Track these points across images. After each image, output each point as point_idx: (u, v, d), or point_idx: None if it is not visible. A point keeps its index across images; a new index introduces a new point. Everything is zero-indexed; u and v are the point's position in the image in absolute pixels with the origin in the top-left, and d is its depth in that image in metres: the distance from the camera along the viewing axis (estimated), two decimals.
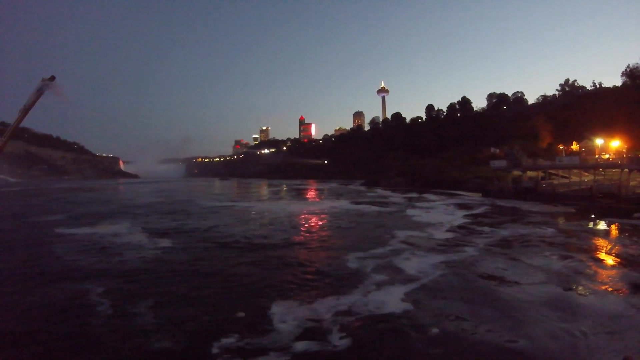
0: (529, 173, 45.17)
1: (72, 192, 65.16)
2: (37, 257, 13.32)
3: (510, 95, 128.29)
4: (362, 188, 69.49)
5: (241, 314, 7.54)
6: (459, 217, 24.01)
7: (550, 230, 18.69)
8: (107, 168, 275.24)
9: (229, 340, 6.25)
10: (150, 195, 55.40)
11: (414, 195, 45.85)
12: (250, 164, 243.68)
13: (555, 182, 42.71)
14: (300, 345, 6.15)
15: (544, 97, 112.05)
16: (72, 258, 13.15)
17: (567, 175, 44.70)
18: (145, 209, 30.80)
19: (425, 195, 45.52)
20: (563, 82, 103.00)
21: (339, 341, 6.33)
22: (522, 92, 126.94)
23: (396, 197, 42.36)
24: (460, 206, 31.69)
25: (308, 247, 14.51)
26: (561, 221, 22.26)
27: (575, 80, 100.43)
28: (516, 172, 46.43)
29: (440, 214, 26.05)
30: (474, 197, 42.99)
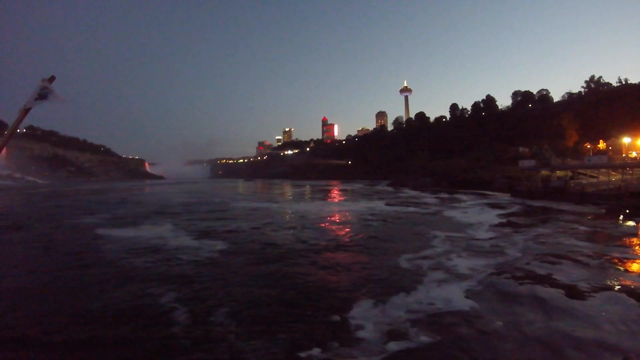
0: (558, 173, 45.01)
1: (102, 194, 66.01)
2: (89, 260, 13.21)
3: (535, 93, 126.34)
4: (390, 189, 69.15)
5: (336, 318, 7.56)
6: (494, 217, 24.20)
7: (583, 229, 18.93)
8: (133, 170, 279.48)
9: (318, 348, 6.23)
10: (181, 196, 55.95)
11: (445, 195, 45.82)
12: (273, 165, 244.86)
13: (584, 181, 42.35)
14: (392, 346, 6.29)
15: (570, 94, 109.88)
16: (127, 261, 12.97)
17: (595, 175, 44.54)
18: (181, 210, 31.13)
19: (456, 195, 45.44)
20: (588, 79, 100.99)
21: (423, 339, 6.52)
22: (547, 90, 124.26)
23: (428, 198, 42.45)
24: (493, 206, 31.76)
25: (358, 249, 14.62)
26: (593, 221, 22.23)
27: (601, 77, 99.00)
28: (545, 172, 46.09)
29: (476, 214, 26.22)
30: (503, 197, 42.74)
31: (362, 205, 33.32)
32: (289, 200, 44.35)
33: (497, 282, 9.99)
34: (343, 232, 18.79)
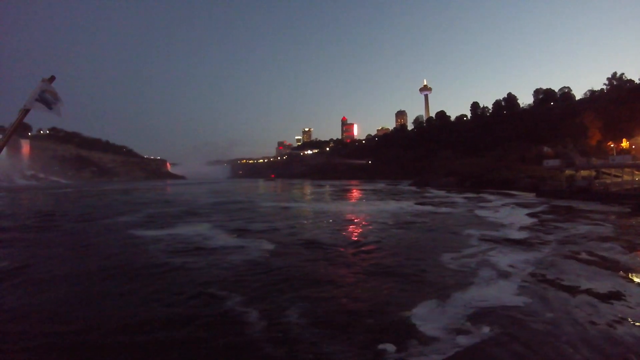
0: (582, 172, 44.97)
1: (128, 193, 66.87)
2: (137, 262, 12.83)
3: (557, 90, 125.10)
4: (413, 188, 69.23)
5: (403, 315, 7.75)
6: (523, 216, 24.58)
7: (610, 227, 19.45)
8: (155, 170, 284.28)
9: (393, 345, 6.38)
10: (207, 196, 56.40)
11: (471, 195, 46.00)
12: (293, 165, 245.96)
13: (608, 181, 42.42)
14: (462, 340, 6.61)
15: (592, 92, 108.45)
16: (177, 262, 12.87)
17: (619, 174, 44.51)
18: (211, 210, 31.31)
19: (482, 195, 45.65)
20: (610, 76, 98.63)
21: (487, 333, 6.85)
22: (569, 88, 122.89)
23: (455, 198, 42.68)
24: (520, 205, 32.04)
25: (403, 248, 14.85)
26: (619, 220, 22.57)
27: (623, 74, 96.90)
28: (569, 171, 46.19)
29: (506, 213, 26.61)
30: (528, 196, 42.89)
31: (393, 205, 33.61)
32: (315, 200, 44.83)
33: (540, 278, 10.41)
34: (383, 232, 18.82)
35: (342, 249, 14.85)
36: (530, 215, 25.30)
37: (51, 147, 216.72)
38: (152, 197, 56.88)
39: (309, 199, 46.76)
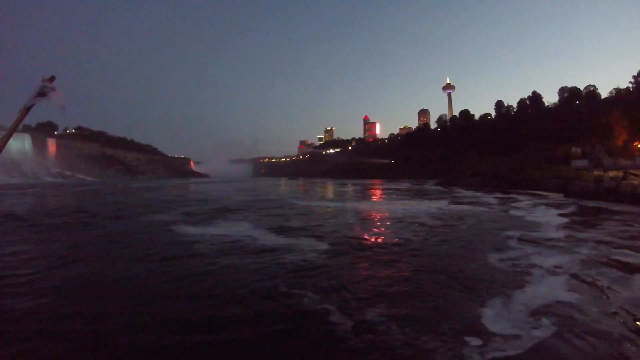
0: (610, 173, 44.81)
1: (155, 191, 67.34)
2: (189, 261, 12.61)
3: (582, 89, 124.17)
4: (440, 188, 69.21)
5: (476, 313, 8.01)
6: (556, 217, 24.73)
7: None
8: (179, 168, 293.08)
9: (479, 339, 6.70)
10: (235, 194, 56.85)
11: (501, 195, 46.09)
12: (315, 164, 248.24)
13: (635, 182, 42.17)
14: (537, 333, 7.06)
15: (617, 90, 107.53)
16: (232, 262, 12.26)
17: None
18: (244, 207, 31.32)
19: (512, 195, 45.77)
20: (636, 74, 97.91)
21: (553, 329, 7.22)
22: (594, 86, 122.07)
23: (486, 198, 42.77)
24: (551, 206, 32.17)
25: (449, 249, 15.04)
26: None
27: None
28: (597, 172, 46.35)
29: (540, 213, 26.75)
30: (556, 197, 42.92)
31: (427, 204, 33.86)
32: (346, 199, 44.90)
33: (585, 277, 10.81)
34: (426, 232, 18.99)
35: (394, 249, 15.00)
36: (563, 215, 25.55)
37: (77, 146, 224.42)
38: (181, 195, 57.35)
39: (339, 198, 46.79)
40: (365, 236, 18.18)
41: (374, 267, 12.27)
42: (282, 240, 16.42)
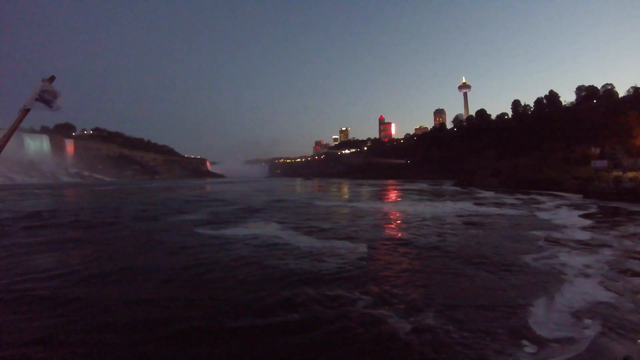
0: (629, 173, 45.49)
1: (173, 191, 67.96)
2: (234, 263, 12.59)
3: (599, 87, 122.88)
4: (458, 189, 69.38)
5: (529, 311, 8.22)
6: (578, 218, 25.10)
7: None
8: (195, 168, 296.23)
9: (534, 345, 6.76)
10: (255, 194, 57.02)
11: (522, 196, 46.10)
12: (330, 164, 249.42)
13: None
14: (589, 333, 7.25)
15: (635, 88, 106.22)
16: (275, 263, 12.43)
17: None
18: (268, 208, 31.23)
19: (532, 196, 45.86)
20: None
21: (598, 329, 7.41)
22: (611, 84, 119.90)
23: (508, 199, 42.84)
24: (572, 207, 32.52)
25: (483, 249, 15.18)
26: None
27: None
28: (616, 173, 46.80)
29: (564, 215, 26.97)
30: (575, 197, 43.18)
31: (451, 205, 34.06)
32: (367, 199, 45.10)
33: (617, 276, 11.21)
34: (457, 233, 19.07)
35: (432, 252, 14.91)
36: (585, 216, 25.86)
37: (95, 147, 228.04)
38: (202, 195, 57.18)
39: (359, 199, 46.73)
40: (399, 238, 18.10)
41: (415, 268, 12.39)
42: (316, 243, 16.17)
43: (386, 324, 7.53)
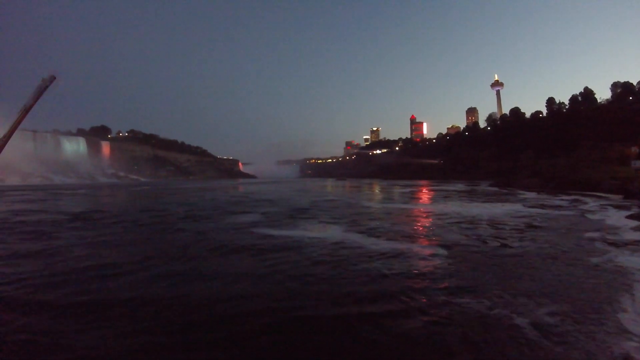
0: None
1: (212, 191, 68.05)
2: (316, 267, 12.29)
3: (635, 84, 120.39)
4: (496, 189, 68.99)
5: (617, 315, 8.26)
6: (624, 219, 25.39)
7: None
8: (228, 169, 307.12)
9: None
10: (294, 194, 57.11)
11: (567, 197, 46.13)
12: (362, 165, 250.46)
13: None
14: None
15: None
16: (362, 267, 12.26)
17: None
18: (315, 209, 31.39)
19: (575, 197, 45.83)
20: None
21: None
22: None
23: (553, 200, 43.11)
24: (617, 208, 32.69)
25: (549, 251, 15.28)
26: None
27: None
28: None
29: (613, 216, 27.24)
30: (615, 198, 43.09)
31: (501, 207, 34.11)
32: (411, 200, 45.77)
33: None
34: (517, 235, 19.15)
35: (505, 249, 15.34)
36: (631, 217, 26.11)
37: (130, 148, 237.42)
38: (242, 195, 57.51)
39: (402, 199, 47.04)
40: (466, 239, 18.23)
41: (504, 269, 12.55)
42: (384, 244, 15.85)
43: (512, 325, 7.62)
